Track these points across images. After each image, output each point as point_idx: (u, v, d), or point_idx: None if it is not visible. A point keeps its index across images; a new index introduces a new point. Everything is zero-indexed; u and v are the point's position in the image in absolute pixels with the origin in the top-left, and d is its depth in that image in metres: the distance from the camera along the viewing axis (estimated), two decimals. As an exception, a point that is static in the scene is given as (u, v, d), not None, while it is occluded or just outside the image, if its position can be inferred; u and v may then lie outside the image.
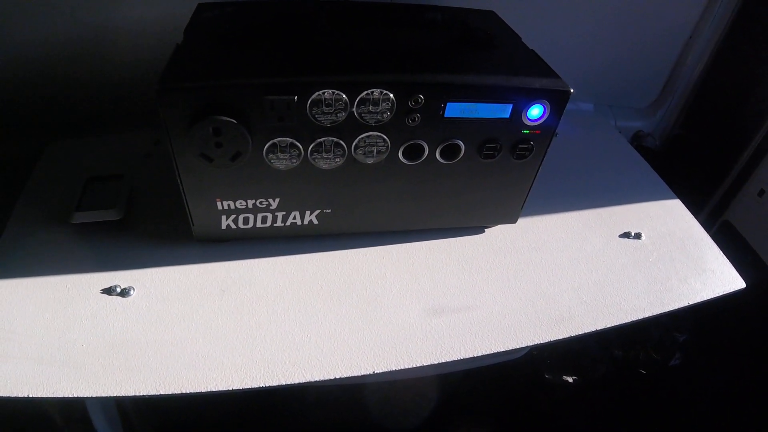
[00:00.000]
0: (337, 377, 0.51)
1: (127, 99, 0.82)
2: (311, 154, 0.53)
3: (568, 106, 0.55)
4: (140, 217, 0.66)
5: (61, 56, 0.77)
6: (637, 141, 1.11)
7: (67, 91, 0.82)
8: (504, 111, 0.54)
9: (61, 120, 0.83)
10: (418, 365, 0.53)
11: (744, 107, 1.03)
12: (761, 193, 1.00)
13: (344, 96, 0.49)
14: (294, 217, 0.60)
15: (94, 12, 0.74)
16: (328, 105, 0.50)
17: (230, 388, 0.49)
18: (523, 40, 0.63)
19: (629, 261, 0.68)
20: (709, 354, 1.13)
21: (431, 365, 0.53)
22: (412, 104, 0.51)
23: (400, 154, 0.55)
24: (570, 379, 1.10)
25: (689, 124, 1.12)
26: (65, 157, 0.75)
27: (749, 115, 1.01)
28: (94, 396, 0.48)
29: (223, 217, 0.58)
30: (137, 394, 0.48)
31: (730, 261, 0.70)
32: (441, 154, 0.56)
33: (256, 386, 0.50)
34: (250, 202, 0.57)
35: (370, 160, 0.55)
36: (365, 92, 0.49)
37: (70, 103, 0.83)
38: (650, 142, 1.11)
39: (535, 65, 0.57)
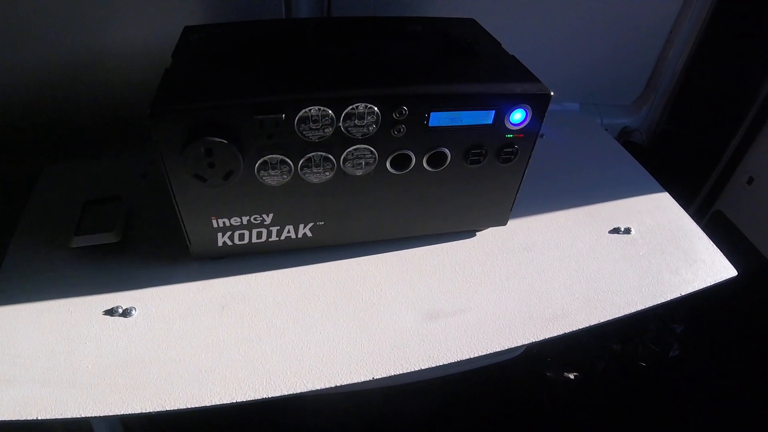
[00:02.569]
0: (338, 385, 0.52)
1: (120, 120, 0.83)
2: (301, 169, 0.54)
3: (554, 106, 0.56)
4: (138, 238, 0.67)
5: (53, 81, 0.78)
6: (624, 137, 1.13)
7: (61, 115, 0.82)
8: (487, 117, 0.55)
9: (57, 144, 0.84)
10: (416, 369, 0.54)
11: (728, 97, 1.05)
12: (750, 181, 1.02)
13: (330, 112, 0.51)
14: (288, 231, 0.61)
15: (83, 37, 0.75)
16: (315, 121, 0.51)
17: (234, 401, 0.50)
18: (504, 45, 0.64)
19: (620, 256, 0.69)
20: (707, 343, 1.14)
21: (429, 368, 0.55)
22: (396, 116, 0.53)
23: (388, 165, 0.57)
24: (571, 376, 1.10)
25: (675, 118, 1.13)
26: (62, 180, 0.76)
27: (734, 105, 1.03)
28: (101, 415, 0.49)
29: (219, 235, 0.59)
30: (143, 411, 0.49)
31: (723, 250, 0.71)
32: (428, 163, 0.58)
33: (258, 398, 0.51)
34: (245, 219, 0.58)
35: (359, 172, 0.56)
36: (350, 107, 0.51)
37: (65, 127, 0.84)
38: (637, 137, 1.12)
39: (516, 70, 0.59)
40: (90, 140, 0.86)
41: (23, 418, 0.48)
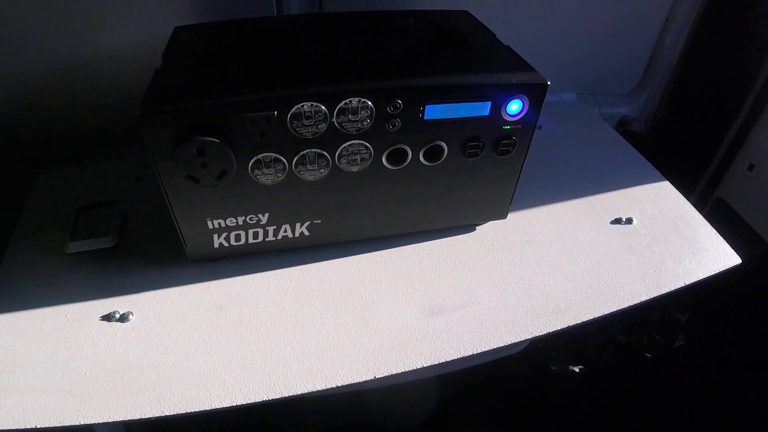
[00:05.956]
0: (339, 385, 0.51)
1: (114, 125, 0.82)
2: (296, 167, 0.54)
3: (551, 97, 0.55)
4: (134, 242, 0.66)
5: (44, 89, 0.78)
6: (622, 127, 1.12)
7: (54, 122, 0.82)
8: (483, 109, 0.55)
9: (51, 151, 0.84)
10: (418, 367, 0.53)
11: (726, 84, 1.04)
12: (751, 167, 1.01)
13: (323, 107, 0.50)
14: (285, 230, 0.60)
15: (73, 43, 0.75)
16: (308, 117, 0.50)
17: (234, 404, 0.50)
18: (500, 36, 0.64)
19: (622, 246, 0.68)
20: (713, 332, 1.13)
21: (431, 366, 0.54)
22: (390, 110, 0.52)
23: (383, 160, 0.56)
24: (576, 369, 1.10)
25: (674, 106, 1.12)
26: (57, 187, 0.76)
27: (733, 92, 1.02)
28: (101, 422, 0.48)
29: (215, 236, 0.58)
30: (143, 417, 0.49)
31: (726, 237, 0.70)
32: (425, 157, 0.57)
33: (259, 400, 0.50)
34: (240, 219, 0.57)
35: (354, 168, 0.56)
36: (343, 102, 0.50)
37: (58, 134, 0.83)
38: (636, 126, 1.12)
39: (511, 61, 0.58)
40: (84, 146, 0.85)
41: (22, 427, 0.47)
